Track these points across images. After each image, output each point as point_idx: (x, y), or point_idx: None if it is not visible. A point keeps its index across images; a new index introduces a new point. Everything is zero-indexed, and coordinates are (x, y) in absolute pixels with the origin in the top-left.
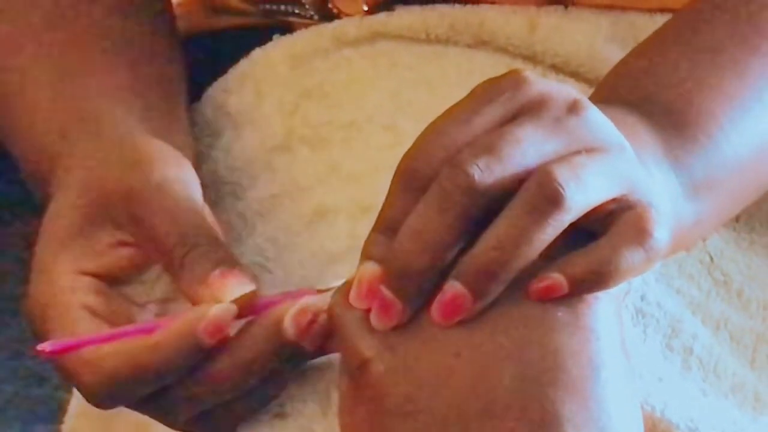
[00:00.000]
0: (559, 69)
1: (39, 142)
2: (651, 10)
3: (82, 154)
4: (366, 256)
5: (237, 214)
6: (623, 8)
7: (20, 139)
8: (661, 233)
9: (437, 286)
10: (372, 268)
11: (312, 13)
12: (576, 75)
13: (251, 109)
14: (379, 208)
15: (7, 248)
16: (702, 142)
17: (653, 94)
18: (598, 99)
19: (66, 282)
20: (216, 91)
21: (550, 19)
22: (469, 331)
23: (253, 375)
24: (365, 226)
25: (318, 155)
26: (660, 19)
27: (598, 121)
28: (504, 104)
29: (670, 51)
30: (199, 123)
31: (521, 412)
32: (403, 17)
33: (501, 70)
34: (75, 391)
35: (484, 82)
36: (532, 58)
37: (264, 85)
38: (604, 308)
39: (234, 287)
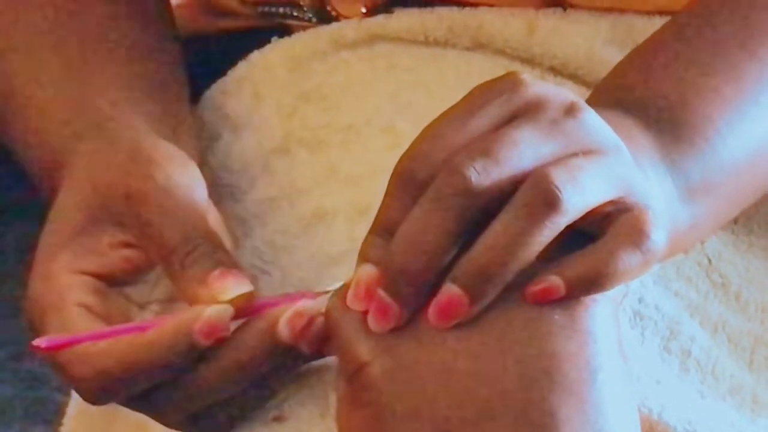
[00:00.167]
0: (557, 71)
1: (45, 141)
2: (649, 13)
3: (88, 153)
4: (363, 258)
5: (235, 216)
6: (622, 11)
7: (26, 139)
8: (657, 235)
9: (434, 289)
10: (369, 271)
11: (310, 15)
12: (574, 77)
13: (249, 112)
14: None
15: (6, 250)
16: (699, 145)
17: (650, 97)
18: (595, 102)
19: (64, 280)
20: (214, 93)
21: (549, 21)
22: (466, 334)
23: (247, 376)
24: (364, 228)
25: (316, 158)
26: (658, 22)
27: (594, 123)
28: (501, 106)
29: (667, 55)
30: (197, 125)
31: (519, 415)
32: (401, 20)
33: (499, 72)
34: (74, 392)
35: (481, 84)
36: (530, 61)
37: (262, 88)
38: (602, 311)
39: (232, 287)
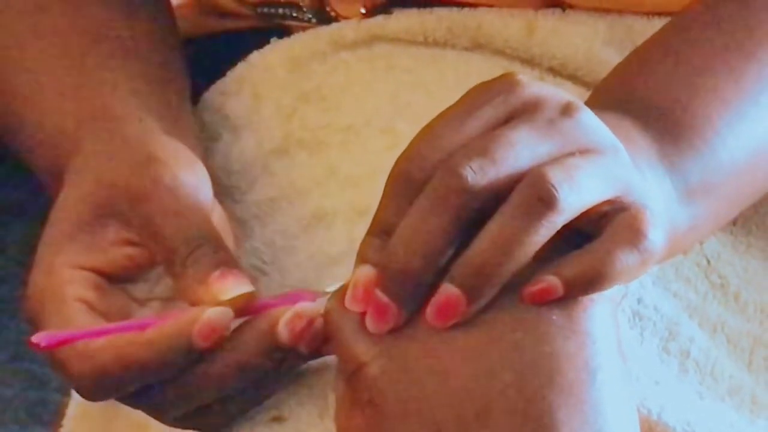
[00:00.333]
0: (556, 72)
1: (49, 136)
2: (648, 14)
3: (95, 150)
4: (361, 259)
5: (235, 217)
6: (620, 11)
7: (29, 136)
8: (655, 235)
9: (432, 289)
10: (367, 272)
11: (310, 16)
12: (574, 78)
13: (249, 113)
14: None
15: (7, 250)
16: (698, 146)
17: (649, 98)
18: (593, 104)
19: (66, 275)
20: (214, 94)
21: (548, 22)
22: (465, 334)
23: (245, 376)
24: (363, 228)
25: (316, 158)
26: (657, 23)
27: (591, 123)
28: (497, 107)
29: (666, 56)
30: (197, 126)
31: (518, 416)
32: (400, 20)
33: (498, 72)
34: (74, 393)
35: (478, 85)
36: (529, 61)
37: (262, 89)
38: (600, 311)
39: (232, 287)
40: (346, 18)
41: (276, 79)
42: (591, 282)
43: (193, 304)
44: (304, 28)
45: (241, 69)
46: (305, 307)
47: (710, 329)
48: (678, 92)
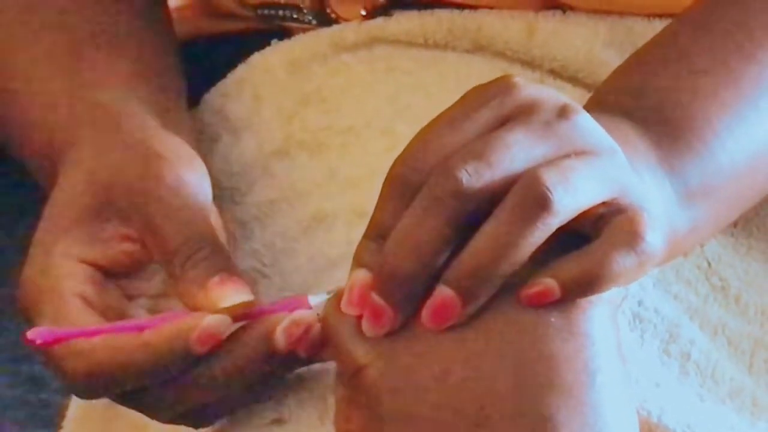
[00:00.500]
0: (557, 74)
1: (44, 128)
2: (649, 16)
3: (92, 140)
4: (357, 263)
5: (234, 219)
6: (621, 13)
7: (27, 132)
8: (653, 237)
9: (429, 292)
10: (362, 276)
11: (310, 18)
12: (574, 80)
13: (250, 115)
14: None
15: (6, 250)
16: (697, 149)
17: (648, 101)
18: (593, 106)
19: (64, 268)
20: (214, 96)
21: (548, 23)
22: (463, 336)
23: (241, 380)
24: (363, 231)
25: (316, 160)
26: (658, 25)
27: (587, 125)
28: (494, 109)
29: (665, 59)
30: (197, 128)
31: (517, 418)
32: (401, 22)
33: (499, 74)
34: (74, 395)
35: (474, 88)
36: (530, 63)
37: (262, 90)
38: (599, 313)
39: (231, 295)
40: (346, 20)
41: (276, 81)
42: (588, 284)
43: (191, 306)
44: (304, 30)
45: (241, 71)
46: (302, 314)
47: (711, 331)
48: (677, 95)
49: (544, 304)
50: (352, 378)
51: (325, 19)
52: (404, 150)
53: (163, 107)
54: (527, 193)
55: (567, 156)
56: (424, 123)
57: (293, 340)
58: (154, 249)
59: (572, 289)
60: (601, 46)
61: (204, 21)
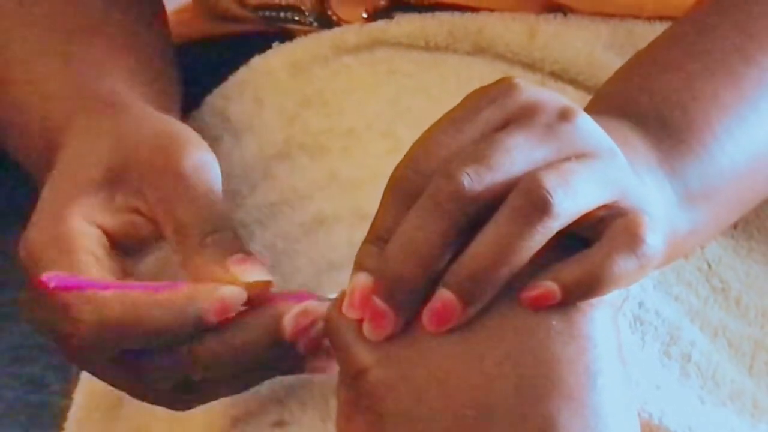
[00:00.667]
0: (557, 76)
1: (45, 116)
2: (650, 18)
3: (101, 122)
4: (358, 266)
5: (236, 221)
6: (622, 16)
7: (24, 117)
8: (653, 240)
9: (430, 295)
10: (364, 279)
11: (311, 20)
12: (575, 82)
13: (251, 117)
14: None
15: (7, 253)
16: (697, 151)
17: (649, 104)
18: (593, 109)
19: (77, 226)
20: (216, 98)
21: (550, 26)
22: (464, 339)
23: (240, 363)
24: (364, 233)
25: (317, 163)
26: (659, 27)
27: (588, 127)
28: (494, 112)
29: (666, 61)
30: (198, 130)
31: (518, 421)
32: (402, 24)
33: (500, 77)
34: (75, 397)
35: (475, 90)
36: (531, 66)
37: (264, 93)
38: (600, 315)
39: (253, 271)
40: (347, 22)
41: (278, 84)
42: (589, 287)
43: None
44: (305, 32)
45: (243, 73)
46: (313, 304)
47: (711, 333)
48: (678, 97)
49: (544, 306)
50: (354, 380)
51: (326, 21)
52: (406, 154)
53: (162, 106)
54: (528, 197)
55: (568, 159)
56: (425, 125)
57: (300, 329)
58: (168, 224)
59: (573, 292)
60: (602, 48)
61: (205, 23)
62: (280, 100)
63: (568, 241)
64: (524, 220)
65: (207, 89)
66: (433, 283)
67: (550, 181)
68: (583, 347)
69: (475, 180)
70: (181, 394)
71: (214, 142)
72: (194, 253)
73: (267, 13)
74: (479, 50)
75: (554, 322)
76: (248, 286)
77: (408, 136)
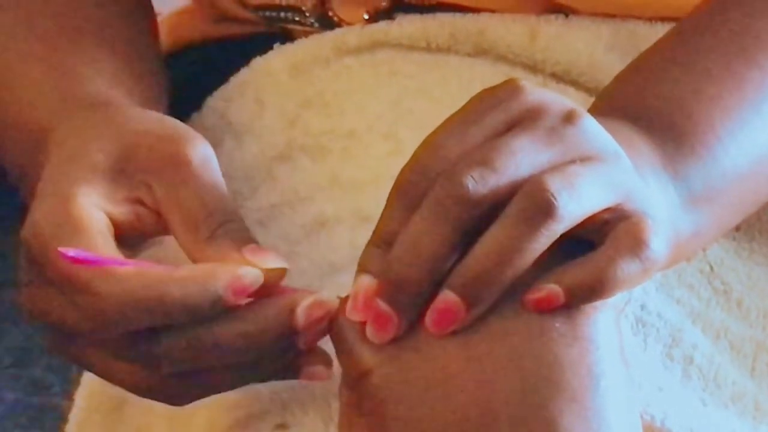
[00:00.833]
0: (559, 77)
1: (36, 112)
2: (651, 19)
3: (102, 116)
4: (362, 269)
5: None
6: (624, 17)
7: (17, 119)
8: (657, 243)
9: (433, 297)
10: (367, 281)
11: (312, 21)
12: (576, 84)
13: (252, 119)
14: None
15: (7, 255)
16: (700, 153)
17: (652, 106)
18: (596, 111)
19: (88, 208)
20: (217, 99)
21: (551, 27)
22: (467, 342)
23: (250, 348)
24: (366, 235)
25: (318, 164)
26: (660, 28)
27: (593, 130)
28: (499, 114)
29: (669, 63)
30: (199, 131)
31: (521, 423)
32: (403, 26)
33: (501, 78)
34: (76, 398)
35: (480, 92)
36: (532, 67)
37: (265, 94)
38: (603, 318)
39: (270, 258)
40: (348, 23)
41: (279, 85)
42: (592, 290)
43: None
44: (306, 34)
45: (243, 74)
46: (325, 298)
47: (713, 335)
48: (681, 99)
49: (548, 309)
50: (357, 383)
51: (328, 22)
52: (411, 157)
53: (150, 106)
54: (532, 199)
55: (572, 161)
56: (427, 127)
57: (312, 320)
58: (174, 215)
59: (576, 295)
60: (603, 49)
61: (206, 25)
62: (281, 101)
63: (571, 244)
64: (528, 222)
65: (208, 91)
66: (436, 286)
67: (555, 184)
68: (586, 350)
69: (480, 183)
70: (182, 383)
71: (215, 143)
72: (205, 245)
73: (268, 14)
74: (481, 52)
75: (557, 325)
76: (266, 272)
77: (409, 138)
